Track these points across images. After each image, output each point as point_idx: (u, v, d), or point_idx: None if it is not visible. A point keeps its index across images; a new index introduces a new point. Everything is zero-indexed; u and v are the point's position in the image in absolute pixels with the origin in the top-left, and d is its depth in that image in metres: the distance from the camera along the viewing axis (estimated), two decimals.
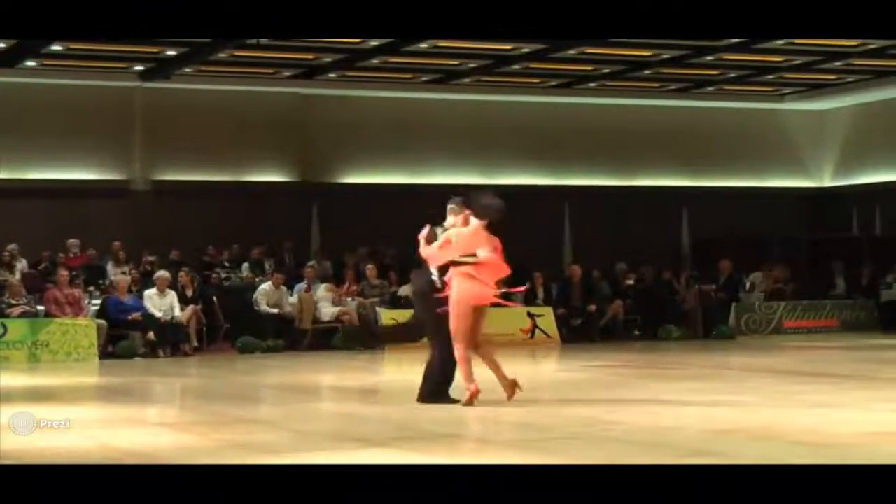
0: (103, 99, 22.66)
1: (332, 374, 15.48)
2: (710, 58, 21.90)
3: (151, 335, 17.96)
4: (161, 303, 18.38)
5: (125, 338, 18.03)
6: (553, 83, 24.30)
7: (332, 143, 24.35)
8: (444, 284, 10.45)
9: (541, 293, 20.97)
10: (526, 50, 20.98)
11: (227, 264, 21.90)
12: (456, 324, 10.29)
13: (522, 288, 12.29)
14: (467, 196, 10.67)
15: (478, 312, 10.40)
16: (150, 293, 18.50)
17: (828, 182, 27.64)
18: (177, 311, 18.37)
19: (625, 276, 22.29)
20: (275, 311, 19.36)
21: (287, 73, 22.87)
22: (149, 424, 10.19)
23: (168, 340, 18.12)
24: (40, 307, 18.11)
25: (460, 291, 10.30)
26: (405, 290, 20.50)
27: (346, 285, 20.68)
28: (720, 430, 8.80)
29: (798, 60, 22.42)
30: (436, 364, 10.59)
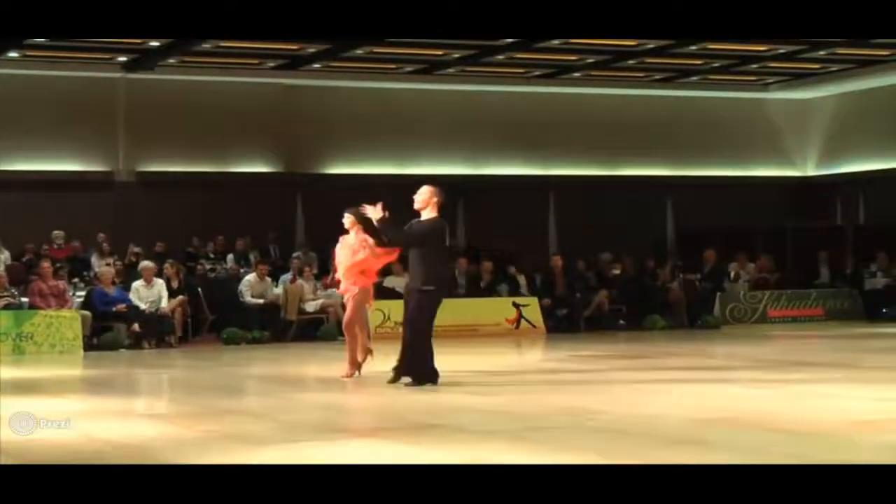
0: (87, 90, 22.57)
1: (317, 365, 15.47)
2: (694, 47, 21.93)
3: (136, 327, 17.93)
4: (148, 293, 18.33)
5: (110, 329, 18.01)
6: (537, 73, 24.31)
7: (316, 134, 24.32)
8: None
9: (523, 283, 20.97)
10: (510, 40, 20.97)
11: (211, 255, 21.87)
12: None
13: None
14: None
15: None
16: (137, 284, 18.44)
17: (812, 171, 27.69)
18: (164, 302, 18.32)
19: (609, 265, 22.32)
20: (260, 301, 19.35)
21: (271, 64, 22.82)
22: (134, 416, 10.17)
23: (153, 332, 18.09)
24: (24, 299, 18.07)
25: None
26: (390, 282, 20.51)
27: (331, 276, 20.62)
28: (705, 419, 8.83)
29: (782, 50, 22.45)
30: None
